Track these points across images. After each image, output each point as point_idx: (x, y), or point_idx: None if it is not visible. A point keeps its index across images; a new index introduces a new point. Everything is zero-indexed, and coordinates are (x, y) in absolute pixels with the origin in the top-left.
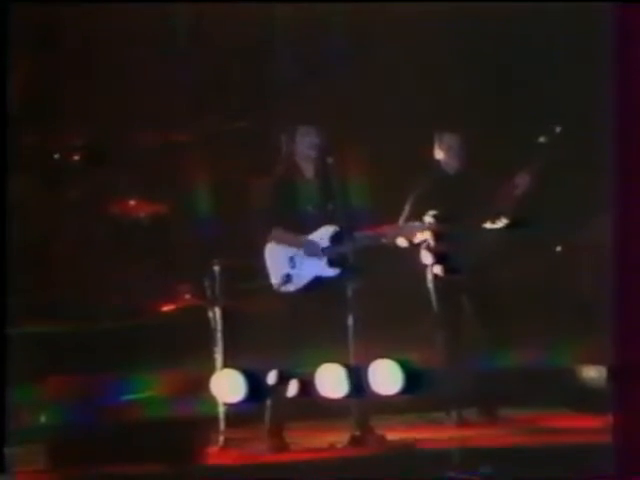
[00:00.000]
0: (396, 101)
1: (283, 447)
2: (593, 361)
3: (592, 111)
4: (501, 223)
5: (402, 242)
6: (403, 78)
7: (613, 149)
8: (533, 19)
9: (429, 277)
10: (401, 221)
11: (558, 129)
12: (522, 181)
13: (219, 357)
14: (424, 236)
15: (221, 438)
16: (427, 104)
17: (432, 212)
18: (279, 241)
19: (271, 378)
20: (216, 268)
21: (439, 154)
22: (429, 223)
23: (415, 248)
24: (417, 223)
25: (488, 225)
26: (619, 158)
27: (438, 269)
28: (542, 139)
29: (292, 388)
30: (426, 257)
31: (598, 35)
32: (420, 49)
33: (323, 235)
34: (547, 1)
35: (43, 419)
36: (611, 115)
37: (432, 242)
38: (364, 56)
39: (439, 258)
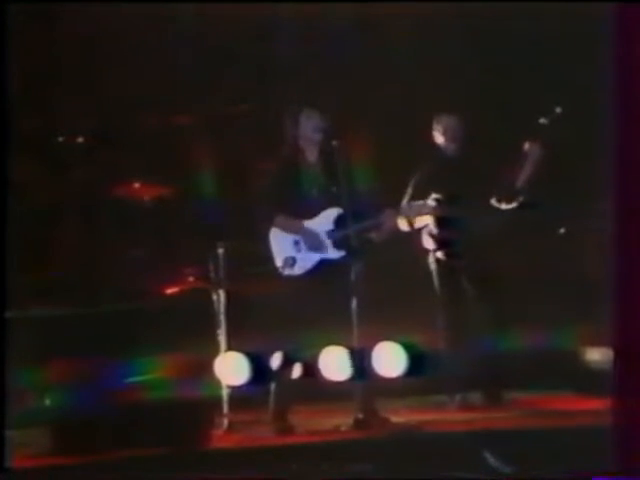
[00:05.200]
0: (400, 84)
1: (287, 430)
2: (596, 343)
3: (592, 93)
4: (516, 202)
5: (404, 226)
6: (407, 61)
7: (614, 136)
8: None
9: (432, 260)
10: (404, 204)
11: (558, 110)
12: (532, 159)
13: (223, 340)
14: (426, 221)
15: (225, 421)
16: (431, 87)
17: (434, 195)
18: (283, 225)
19: (275, 361)
20: (220, 251)
21: (441, 137)
22: (431, 206)
23: (417, 232)
24: (420, 202)
25: (504, 205)
26: (620, 143)
27: (440, 254)
28: (542, 120)
29: (296, 371)
30: (428, 242)
31: (598, 26)
32: (423, 33)
33: (327, 218)
34: (547, 1)
35: (46, 402)
36: (611, 103)
37: (434, 227)
38: (368, 39)
39: (441, 243)
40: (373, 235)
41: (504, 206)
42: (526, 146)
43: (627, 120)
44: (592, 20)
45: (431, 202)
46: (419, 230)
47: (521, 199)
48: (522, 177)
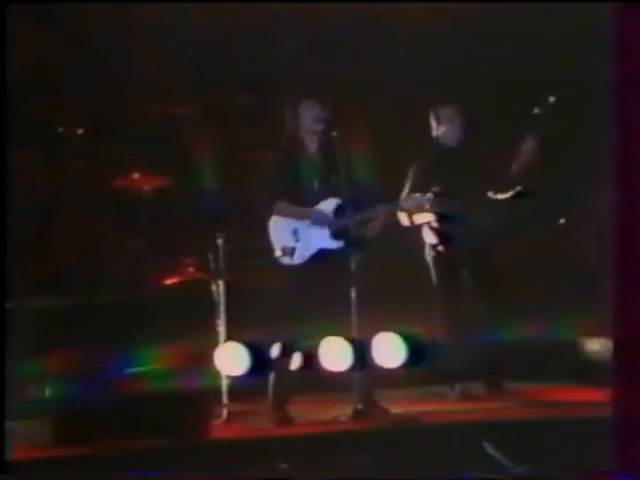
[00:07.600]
0: (400, 75)
1: (286, 420)
2: (596, 334)
3: (592, 84)
4: (512, 192)
5: (404, 220)
6: (407, 52)
7: (614, 127)
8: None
9: (431, 252)
10: (402, 196)
11: (551, 99)
12: (527, 148)
13: (222, 330)
14: (426, 218)
15: (224, 411)
16: (431, 78)
17: (434, 189)
18: (283, 214)
19: (274, 351)
20: (219, 241)
21: (439, 128)
22: (431, 200)
23: (417, 227)
24: (420, 196)
25: (500, 195)
26: (619, 134)
27: (441, 247)
28: (536, 110)
29: (295, 361)
30: (429, 236)
31: (597, 20)
32: (421, 23)
33: (327, 208)
34: (547, 1)
35: (46, 393)
36: (611, 94)
37: (434, 221)
38: (368, 30)
39: (442, 237)
40: (365, 230)
41: (500, 196)
42: (522, 136)
43: (628, 111)
44: (590, 15)
45: (431, 196)
46: (419, 225)
47: (517, 188)
48: (517, 167)
